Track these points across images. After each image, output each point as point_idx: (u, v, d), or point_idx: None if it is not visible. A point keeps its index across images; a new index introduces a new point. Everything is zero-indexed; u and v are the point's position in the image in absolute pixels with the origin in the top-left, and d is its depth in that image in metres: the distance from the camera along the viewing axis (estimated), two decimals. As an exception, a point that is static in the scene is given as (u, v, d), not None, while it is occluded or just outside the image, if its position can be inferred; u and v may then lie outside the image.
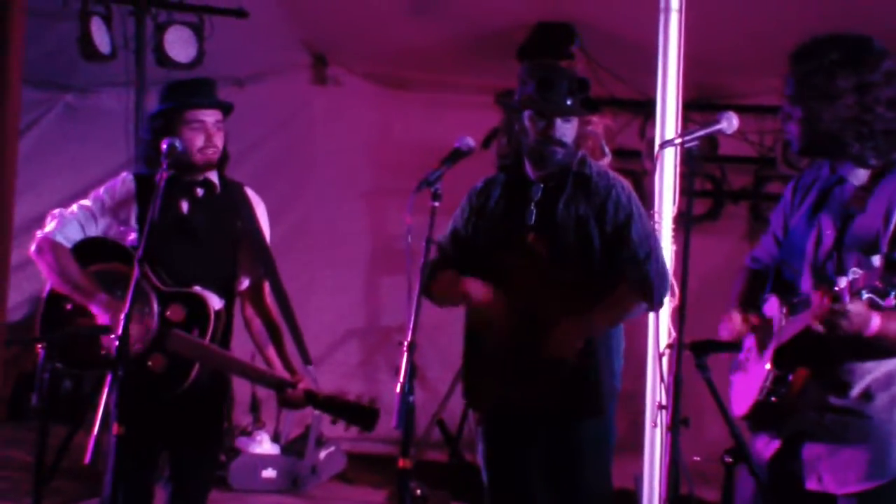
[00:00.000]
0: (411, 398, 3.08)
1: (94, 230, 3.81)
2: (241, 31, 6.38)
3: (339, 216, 7.70)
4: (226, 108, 3.89)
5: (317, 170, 7.75)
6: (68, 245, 3.77)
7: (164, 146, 3.58)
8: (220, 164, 3.91)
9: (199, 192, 3.87)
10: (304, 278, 7.47)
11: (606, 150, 5.44)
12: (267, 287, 3.96)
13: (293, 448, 6.57)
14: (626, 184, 3.89)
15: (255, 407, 6.67)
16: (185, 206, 3.85)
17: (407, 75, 7.65)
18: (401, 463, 3.12)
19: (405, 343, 3.14)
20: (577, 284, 3.74)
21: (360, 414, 3.69)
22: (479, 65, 6.86)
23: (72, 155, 7.58)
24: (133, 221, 3.82)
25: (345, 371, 7.23)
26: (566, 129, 3.76)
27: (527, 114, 3.78)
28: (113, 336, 3.33)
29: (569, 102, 3.75)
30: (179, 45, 6.26)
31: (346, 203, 7.74)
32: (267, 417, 6.85)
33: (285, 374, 3.81)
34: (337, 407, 3.72)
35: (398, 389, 3.08)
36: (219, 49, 6.27)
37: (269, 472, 6.39)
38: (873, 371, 2.85)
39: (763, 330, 3.00)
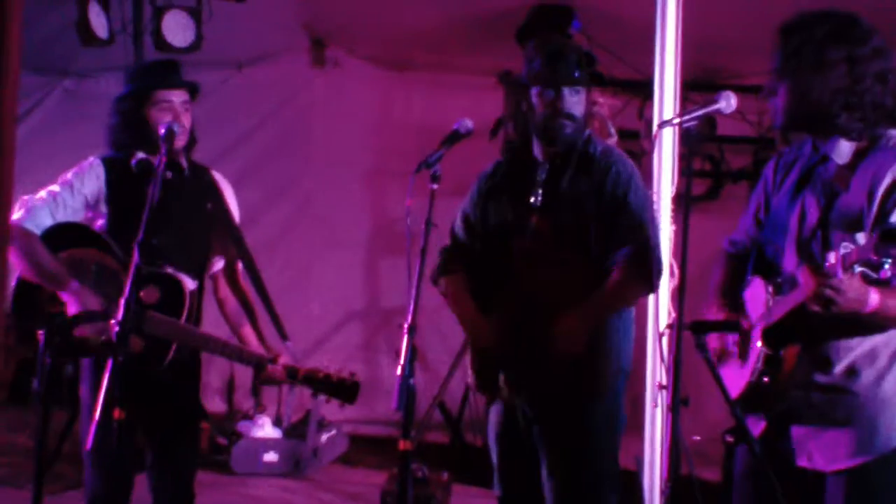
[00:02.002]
0: (412, 380, 3.10)
1: (63, 215, 3.79)
2: (239, 15, 6.36)
3: (339, 198, 7.69)
4: (192, 89, 3.92)
5: (316, 152, 7.73)
6: (38, 232, 3.74)
7: (162, 131, 3.60)
8: (188, 146, 3.93)
9: (168, 174, 3.84)
10: (303, 261, 7.48)
11: (612, 130, 5.44)
12: (240, 267, 3.98)
13: (295, 431, 6.59)
14: (630, 163, 3.86)
15: (256, 391, 6.69)
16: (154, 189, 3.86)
17: (407, 57, 7.62)
18: (402, 445, 3.14)
19: (406, 325, 3.16)
20: (579, 267, 3.73)
21: (341, 387, 3.73)
22: (481, 46, 6.83)
23: (70, 140, 7.54)
24: (102, 206, 3.82)
25: (345, 353, 7.24)
26: (574, 102, 3.75)
27: (534, 90, 3.77)
28: (103, 323, 3.35)
29: (577, 74, 3.74)
30: (177, 29, 6.23)
31: (347, 185, 7.73)
32: (268, 401, 6.87)
33: (263, 352, 3.85)
34: (317, 381, 3.77)
35: (399, 372, 3.10)
36: (217, 33, 6.25)
37: (270, 456, 6.41)
38: (858, 347, 2.86)
39: (741, 329, 3.02)
